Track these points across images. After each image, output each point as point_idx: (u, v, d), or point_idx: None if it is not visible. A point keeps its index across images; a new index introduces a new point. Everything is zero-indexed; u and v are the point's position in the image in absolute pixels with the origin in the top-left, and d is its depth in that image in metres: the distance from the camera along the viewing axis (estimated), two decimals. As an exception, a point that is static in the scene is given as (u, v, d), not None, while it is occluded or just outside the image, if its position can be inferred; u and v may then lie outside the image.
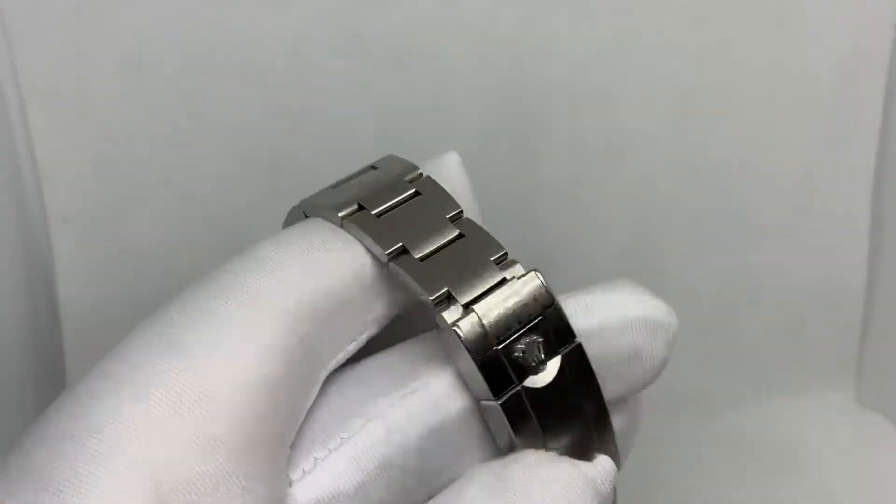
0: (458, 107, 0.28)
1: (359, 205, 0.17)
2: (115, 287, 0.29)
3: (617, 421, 0.18)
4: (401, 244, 0.17)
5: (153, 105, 0.27)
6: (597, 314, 0.18)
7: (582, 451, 0.17)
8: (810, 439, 0.31)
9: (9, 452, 0.14)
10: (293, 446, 0.15)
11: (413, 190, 0.18)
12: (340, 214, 0.17)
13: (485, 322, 0.16)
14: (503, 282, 0.17)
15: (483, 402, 0.16)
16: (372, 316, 0.17)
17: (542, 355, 0.16)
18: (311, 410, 0.16)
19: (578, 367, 0.17)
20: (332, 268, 0.16)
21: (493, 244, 0.17)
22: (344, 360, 0.17)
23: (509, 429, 0.16)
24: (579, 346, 0.17)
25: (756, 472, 0.30)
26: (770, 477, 0.30)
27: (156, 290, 0.29)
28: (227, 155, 0.28)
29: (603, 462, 0.17)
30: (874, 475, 0.30)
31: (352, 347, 0.17)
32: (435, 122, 0.28)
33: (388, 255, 0.16)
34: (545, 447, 0.16)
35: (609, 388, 0.17)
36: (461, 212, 0.18)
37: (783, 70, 0.29)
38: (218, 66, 0.27)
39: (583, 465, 0.16)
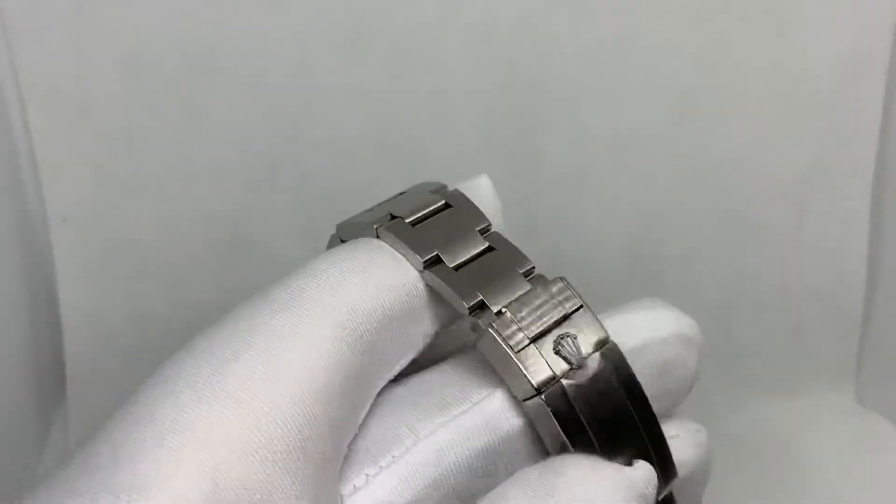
0: (458, 107, 0.28)
1: (391, 215, 0.18)
2: (115, 287, 0.29)
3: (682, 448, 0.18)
4: (435, 252, 0.17)
5: (153, 105, 0.27)
6: (637, 332, 0.18)
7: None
8: (810, 439, 0.31)
9: (71, 454, 0.14)
10: (345, 461, 0.15)
11: (443, 201, 0.18)
12: (375, 226, 0.17)
13: (518, 323, 0.16)
14: (532, 291, 0.17)
15: (527, 402, 0.16)
16: (421, 331, 0.17)
17: (578, 350, 0.16)
18: (363, 425, 0.16)
19: (616, 365, 0.17)
20: (384, 284, 0.16)
21: (522, 257, 0.18)
22: (393, 376, 0.17)
23: (557, 426, 0.16)
24: (614, 344, 0.17)
25: (756, 472, 0.30)
26: (770, 477, 0.30)
27: (156, 290, 0.29)
28: (227, 155, 0.28)
29: (643, 466, 0.16)
30: (874, 475, 0.30)
31: (403, 362, 0.17)
32: (435, 122, 0.28)
33: (424, 262, 0.17)
34: (598, 453, 0.16)
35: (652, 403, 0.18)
36: (490, 225, 0.18)
37: (783, 70, 0.29)
38: (218, 66, 0.27)
39: (626, 469, 0.16)
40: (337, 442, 0.15)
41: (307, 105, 0.28)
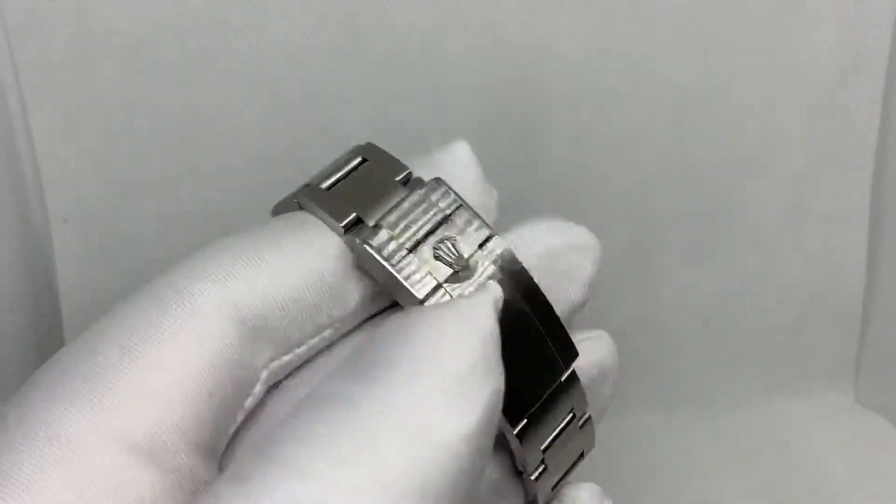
0: (458, 107, 0.28)
1: (307, 185, 0.18)
2: (116, 287, 0.29)
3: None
4: (354, 214, 0.17)
5: (153, 105, 0.27)
6: (529, 247, 0.18)
7: (544, 368, 0.17)
8: (810, 439, 0.31)
9: None
10: (237, 449, 0.16)
11: (360, 158, 0.18)
12: (295, 199, 0.18)
13: (394, 233, 0.16)
14: (408, 196, 0.17)
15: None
16: (338, 311, 0.16)
17: (459, 252, 0.16)
18: (258, 419, 0.16)
19: (508, 264, 0.17)
20: (292, 263, 0.16)
21: (397, 164, 0.18)
22: (298, 363, 0.16)
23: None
24: (507, 251, 0.17)
25: (756, 472, 0.30)
26: (770, 476, 0.30)
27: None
28: (227, 155, 0.28)
29: (487, 289, 0.15)
30: (874, 475, 0.30)
31: (301, 350, 0.16)
32: (435, 122, 0.28)
33: (343, 227, 0.17)
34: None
35: None
36: (360, 147, 0.18)
37: (783, 70, 0.29)
38: (218, 65, 0.27)
39: (457, 302, 0.15)
40: (208, 432, 0.15)
41: (307, 104, 0.28)
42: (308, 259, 0.16)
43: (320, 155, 0.28)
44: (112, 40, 0.26)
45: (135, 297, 0.16)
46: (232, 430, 0.15)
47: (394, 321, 0.15)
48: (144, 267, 0.28)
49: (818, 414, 0.32)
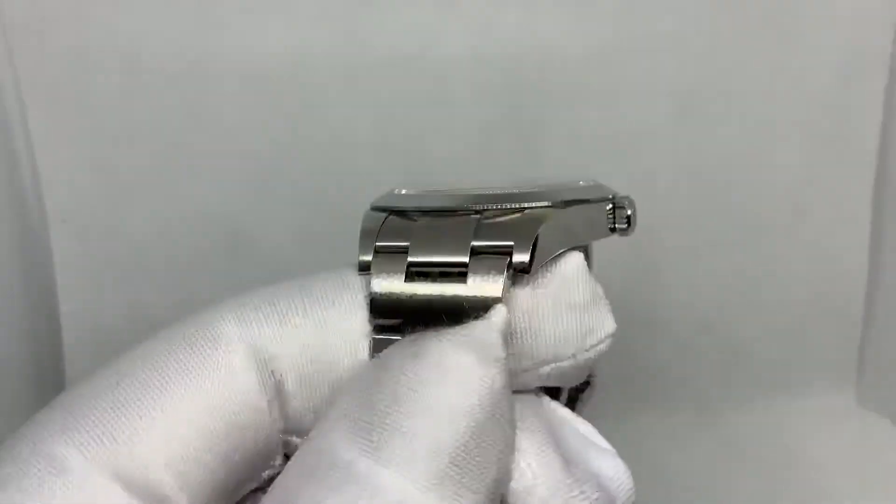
0: (458, 107, 0.28)
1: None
2: (115, 287, 0.29)
3: None
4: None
5: (153, 105, 0.27)
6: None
7: None
8: (810, 439, 0.31)
9: None
10: None
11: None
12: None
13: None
14: None
15: None
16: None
17: None
18: None
19: None
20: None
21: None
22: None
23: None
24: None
25: (756, 472, 0.30)
26: (770, 477, 0.30)
27: (156, 290, 0.29)
28: (227, 155, 0.28)
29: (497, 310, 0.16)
30: (874, 475, 0.30)
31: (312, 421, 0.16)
32: (435, 122, 0.28)
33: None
34: None
35: None
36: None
37: (783, 70, 0.29)
38: (218, 66, 0.27)
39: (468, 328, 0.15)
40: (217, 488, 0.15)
41: (307, 105, 0.28)
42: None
43: (320, 156, 0.28)
44: (111, 40, 0.26)
45: (164, 333, 0.16)
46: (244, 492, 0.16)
47: (401, 359, 0.15)
48: (143, 267, 0.29)
49: (819, 415, 0.32)
